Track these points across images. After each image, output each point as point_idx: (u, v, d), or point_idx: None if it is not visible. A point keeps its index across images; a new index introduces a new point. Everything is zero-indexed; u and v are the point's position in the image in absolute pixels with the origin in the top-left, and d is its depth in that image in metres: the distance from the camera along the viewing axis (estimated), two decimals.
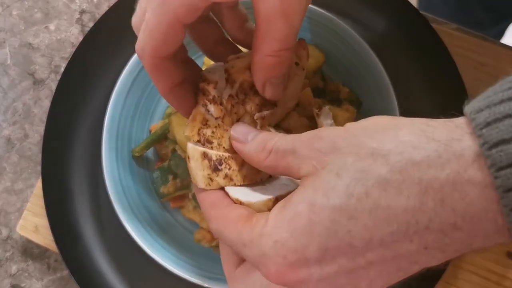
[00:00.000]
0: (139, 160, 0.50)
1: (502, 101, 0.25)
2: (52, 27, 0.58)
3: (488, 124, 0.24)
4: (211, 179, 0.33)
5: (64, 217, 0.50)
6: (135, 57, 0.49)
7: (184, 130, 0.36)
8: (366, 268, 0.26)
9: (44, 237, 0.52)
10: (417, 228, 0.25)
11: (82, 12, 0.58)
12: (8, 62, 0.58)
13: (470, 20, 0.90)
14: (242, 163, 0.33)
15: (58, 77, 0.55)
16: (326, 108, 0.39)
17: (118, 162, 0.48)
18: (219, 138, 0.34)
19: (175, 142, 0.47)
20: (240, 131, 0.33)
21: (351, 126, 0.28)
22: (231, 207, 0.31)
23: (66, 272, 0.52)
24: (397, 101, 0.47)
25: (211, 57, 0.38)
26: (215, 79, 0.34)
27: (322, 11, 0.48)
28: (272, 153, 0.30)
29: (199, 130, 0.34)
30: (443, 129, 0.26)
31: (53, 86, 0.56)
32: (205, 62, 0.49)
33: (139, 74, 0.49)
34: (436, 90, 0.51)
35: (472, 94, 0.50)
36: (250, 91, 0.34)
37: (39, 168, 0.54)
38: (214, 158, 0.33)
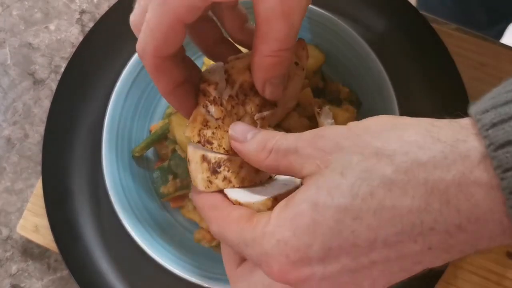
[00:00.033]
0: (139, 160, 0.50)
1: (507, 102, 0.24)
2: (52, 27, 0.58)
3: (494, 125, 0.24)
4: (210, 182, 0.33)
5: (64, 217, 0.50)
6: (135, 57, 0.49)
7: (184, 131, 0.36)
8: (369, 267, 0.26)
9: (44, 237, 0.52)
10: (421, 228, 0.25)
11: (82, 12, 0.58)
12: (8, 62, 0.58)
13: (468, 21, 0.90)
14: (241, 165, 0.33)
15: (58, 77, 0.55)
16: (326, 108, 0.40)
17: (118, 162, 0.48)
18: (219, 139, 0.34)
19: (175, 142, 0.47)
20: (239, 130, 0.33)
21: (354, 125, 0.28)
22: (231, 208, 0.31)
23: (66, 272, 0.52)
24: (397, 101, 0.47)
25: (210, 56, 0.38)
26: (216, 80, 0.34)
27: (322, 11, 0.48)
28: (273, 153, 0.30)
29: (199, 131, 0.34)
30: (449, 130, 0.26)
31: (53, 86, 0.56)
32: (205, 62, 0.49)
33: (139, 74, 0.49)
34: (436, 90, 0.51)
35: (472, 94, 0.50)
36: (250, 92, 0.34)
37: (39, 168, 0.54)
38: (213, 160, 0.33)
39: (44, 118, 0.54)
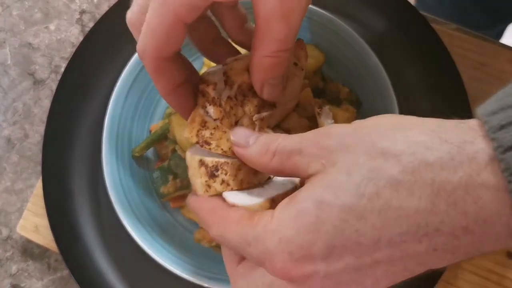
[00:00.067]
0: (139, 160, 0.50)
1: None
2: (52, 27, 0.58)
3: (502, 127, 0.24)
4: (209, 186, 0.33)
5: (64, 217, 0.50)
6: (135, 57, 0.49)
7: (183, 131, 0.36)
8: (372, 267, 0.26)
9: (44, 237, 0.52)
10: (427, 229, 0.25)
11: (82, 12, 0.58)
12: (8, 62, 0.58)
13: (467, 21, 0.89)
14: (239, 168, 0.33)
15: (58, 77, 0.55)
16: (326, 107, 0.40)
17: (118, 162, 0.48)
18: (217, 139, 0.34)
19: (175, 142, 0.47)
20: (240, 135, 0.32)
21: (360, 124, 0.28)
22: (230, 210, 0.31)
23: (66, 272, 0.52)
24: (397, 101, 0.47)
25: (208, 56, 0.38)
26: (214, 80, 0.34)
27: (322, 11, 0.48)
28: (276, 155, 0.29)
29: (197, 131, 0.34)
30: (456, 131, 0.25)
31: (53, 86, 0.56)
32: (205, 63, 0.49)
33: (139, 74, 0.49)
34: (436, 90, 0.51)
35: (472, 94, 0.50)
36: (249, 93, 0.34)
37: (39, 168, 0.54)
38: (210, 165, 0.33)
39: (44, 118, 0.54)
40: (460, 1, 0.90)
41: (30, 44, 0.58)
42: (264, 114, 0.34)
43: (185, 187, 0.47)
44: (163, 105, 0.52)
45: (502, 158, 0.23)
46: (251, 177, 0.34)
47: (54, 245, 0.50)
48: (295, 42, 0.32)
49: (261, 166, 0.31)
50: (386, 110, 0.47)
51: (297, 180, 0.33)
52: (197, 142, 0.34)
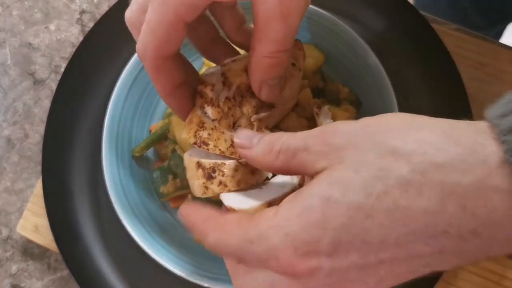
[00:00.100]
0: (139, 160, 0.50)
1: None
2: (52, 27, 0.58)
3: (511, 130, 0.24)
4: (206, 187, 0.33)
5: (64, 217, 0.50)
6: (135, 57, 0.49)
7: (183, 131, 0.36)
8: (377, 266, 0.26)
9: (44, 237, 0.52)
10: (435, 231, 0.24)
11: (82, 12, 0.59)
12: (8, 62, 0.58)
13: (465, 22, 0.89)
14: (236, 169, 0.33)
15: (58, 77, 0.55)
16: (326, 107, 0.40)
17: (118, 162, 0.48)
18: (215, 140, 0.34)
19: (175, 142, 0.47)
20: (243, 136, 0.32)
21: (368, 121, 0.28)
22: (227, 214, 0.30)
23: (66, 272, 0.52)
24: (397, 101, 0.47)
25: (207, 55, 0.38)
26: (212, 81, 0.34)
27: (322, 11, 0.48)
28: (281, 153, 0.29)
29: (195, 132, 0.34)
30: (467, 132, 0.25)
31: (53, 86, 0.57)
32: (205, 62, 0.49)
33: (139, 74, 0.49)
34: (436, 90, 0.51)
35: (472, 94, 0.50)
36: (247, 93, 0.34)
37: (39, 168, 0.54)
38: (207, 166, 0.33)
39: (44, 118, 0.54)
40: (459, 2, 0.90)
41: (30, 44, 0.58)
42: (262, 114, 0.34)
43: (185, 187, 0.47)
44: (163, 105, 0.52)
45: None
46: (248, 177, 0.34)
47: (54, 245, 0.50)
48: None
49: (266, 166, 0.30)
50: (386, 110, 0.47)
51: (295, 181, 0.33)
52: (195, 143, 0.34)
